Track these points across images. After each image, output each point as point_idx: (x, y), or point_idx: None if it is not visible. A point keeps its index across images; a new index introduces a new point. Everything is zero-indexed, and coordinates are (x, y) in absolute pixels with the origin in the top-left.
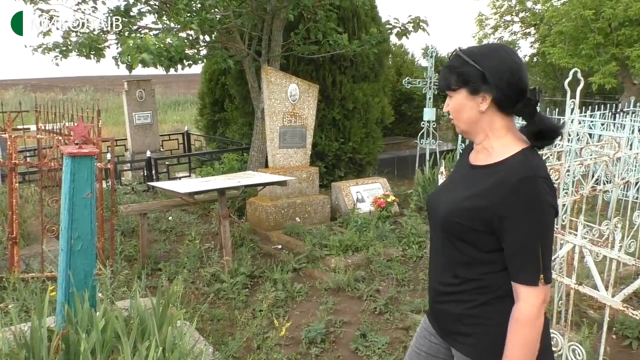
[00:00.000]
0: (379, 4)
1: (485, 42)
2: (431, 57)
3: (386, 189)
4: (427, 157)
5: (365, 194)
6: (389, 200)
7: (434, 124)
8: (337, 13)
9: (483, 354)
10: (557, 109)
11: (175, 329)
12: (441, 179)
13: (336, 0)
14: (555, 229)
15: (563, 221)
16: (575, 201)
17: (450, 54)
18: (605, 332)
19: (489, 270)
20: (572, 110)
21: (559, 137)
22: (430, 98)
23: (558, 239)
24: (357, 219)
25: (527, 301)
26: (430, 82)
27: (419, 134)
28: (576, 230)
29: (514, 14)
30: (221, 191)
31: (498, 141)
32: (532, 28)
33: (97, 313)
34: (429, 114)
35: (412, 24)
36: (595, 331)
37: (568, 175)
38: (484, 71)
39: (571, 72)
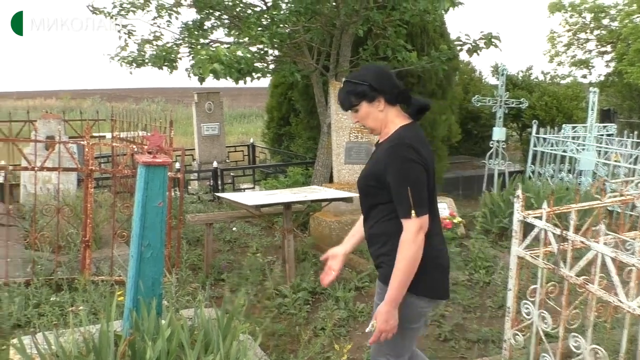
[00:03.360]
0: (446, 20)
1: (557, 60)
2: (502, 75)
3: (452, 209)
4: (495, 178)
5: None
6: (455, 221)
7: (503, 144)
8: (405, 29)
9: (388, 276)
10: (634, 132)
11: (239, 343)
12: (517, 203)
13: (406, 16)
14: None
15: None
16: None
17: (344, 83)
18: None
19: (387, 219)
20: None
21: (429, 109)
22: (500, 117)
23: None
24: None
25: (406, 229)
26: (501, 101)
27: (488, 154)
28: None
29: (588, 31)
30: (287, 205)
31: (391, 125)
32: (609, 46)
33: (163, 321)
34: (498, 133)
35: (483, 41)
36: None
37: None
38: (371, 84)
39: None
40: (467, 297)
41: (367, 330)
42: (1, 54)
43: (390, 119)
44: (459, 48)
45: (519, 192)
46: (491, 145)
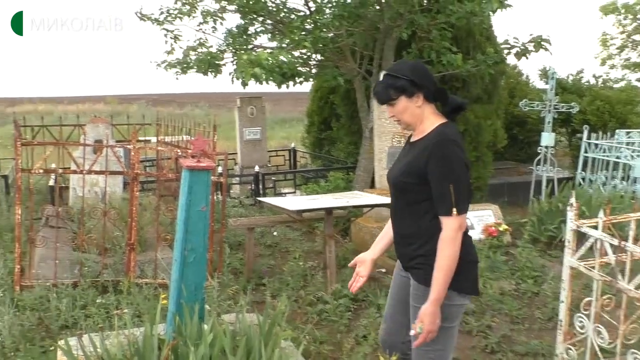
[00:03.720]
0: (493, 23)
1: (609, 63)
2: (551, 78)
3: (498, 216)
4: (544, 185)
5: (475, 220)
6: (501, 229)
7: (551, 150)
8: (451, 32)
9: (428, 277)
10: None
11: (280, 350)
12: (570, 212)
13: (452, 19)
14: None
15: None
16: None
17: (383, 76)
18: None
19: (427, 218)
20: None
21: (465, 109)
22: (549, 122)
23: None
24: None
25: (447, 227)
26: (550, 105)
27: (535, 160)
28: None
29: None
30: (329, 210)
31: (427, 122)
32: None
33: (206, 326)
34: (547, 139)
35: (533, 44)
36: None
37: None
38: (413, 79)
39: None
40: (514, 308)
41: (411, 333)
42: (53, 60)
43: (426, 116)
44: (506, 51)
45: (572, 200)
46: (539, 151)
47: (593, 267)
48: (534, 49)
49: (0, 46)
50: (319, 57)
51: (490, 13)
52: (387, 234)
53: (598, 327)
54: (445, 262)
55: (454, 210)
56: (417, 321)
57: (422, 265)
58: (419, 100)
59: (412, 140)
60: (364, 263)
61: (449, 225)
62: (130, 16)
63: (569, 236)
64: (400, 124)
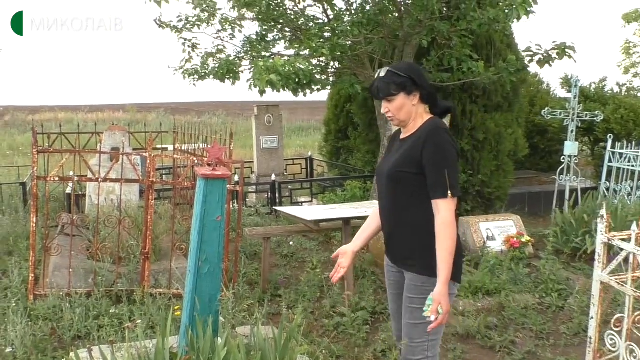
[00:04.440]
0: (513, 31)
1: (633, 71)
2: (575, 86)
3: (519, 227)
4: (567, 195)
5: (496, 231)
6: (523, 240)
7: (575, 159)
8: (471, 39)
9: (430, 265)
10: None
11: None
12: (601, 224)
13: (473, 25)
14: None
15: None
16: None
17: (380, 72)
18: None
19: (425, 207)
20: None
21: (452, 112)
22: (572, 131)
23: None
24: (488, 259)
25: (444, 209)
26: (573, 114)
27: (559, 170)
28: None
29: None
30: (346, 220)
31: (419, 119)
32: None
33: (219, 340)
34: (570, 148)
35: (556, 51)
36: None
37: None
38: (414, 78)
39: None
40: (539, 323)
41: (426, 314)
42: (73, 69)
43: (419, 114)
44: (528, 59)
45: (603, 212)
46: (562, 160)
47: (624, 282)
48: (557, 57)
49: (24, 54)
50: (336, 64)
51: (515, 20)
52: (369, 227)
53: (631, 345)
54: (448, 243)
55: (449, 193)
56: (433, 306)
57: (423, 255)
58: (415, 99)
59: (402, 137)
60: (345, 254)
61: (445, 207)
62: (130, 16)
63: (599, 249)
64: (394, 120)
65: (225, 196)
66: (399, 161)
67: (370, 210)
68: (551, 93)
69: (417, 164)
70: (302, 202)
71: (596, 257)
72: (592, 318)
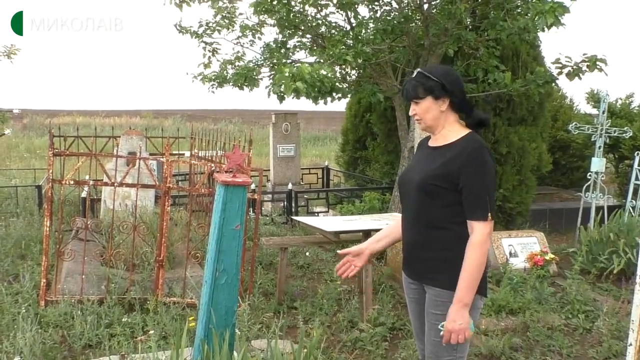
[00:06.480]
0: (539, 43)
1: None
2: (603, 101)
3: (543, 244)
4: (592, 213)
5: (519, 248)
6: (547, 258)
7: (602, 176)
8: (498, 49)
9: (454, 280)
10: None
11: None
12: None
13: (502, 35)
14: None
15: None
16: None
17: (416, 74)
18: None
19: (456, 222)
20: None
21: (487, 125)
22: (600, 147)
23: None
24: (511, 276)
25: (479, 231)
26: (601, 129)
27: (585, 186)
28: None
29: None
30: (366, 232)
31: (451, 129)
32: None
33: (236, 355)
34: (597, 164)
35: (587, 63)
36: None
37: None
38: (444, 83)
39: None
40: (565, 345)
41: (441, 327)
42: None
43: (448, 122)
44: (557, 71)
45: None
46: (588, 177)
47: None
48: (587, 69)
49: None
50: (357, 73)
51: (545, 28)
52: (392, 232)
53: None
54: (474, 265)
55: (489, 216)
56: (447, 324)
57: (447, 270)
58: (444, 105)
59: (432, 145)
60: (361, 254)
61: (481, 230)
62: (130, 16)
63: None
64: (420, 123)
65: (245, 204)
66: (434, 173)
67: (392, 222)
68: (574, 108)
69: (452, 181)
70: (318, 212)
71: (637, 279)
72: (630, 345)
